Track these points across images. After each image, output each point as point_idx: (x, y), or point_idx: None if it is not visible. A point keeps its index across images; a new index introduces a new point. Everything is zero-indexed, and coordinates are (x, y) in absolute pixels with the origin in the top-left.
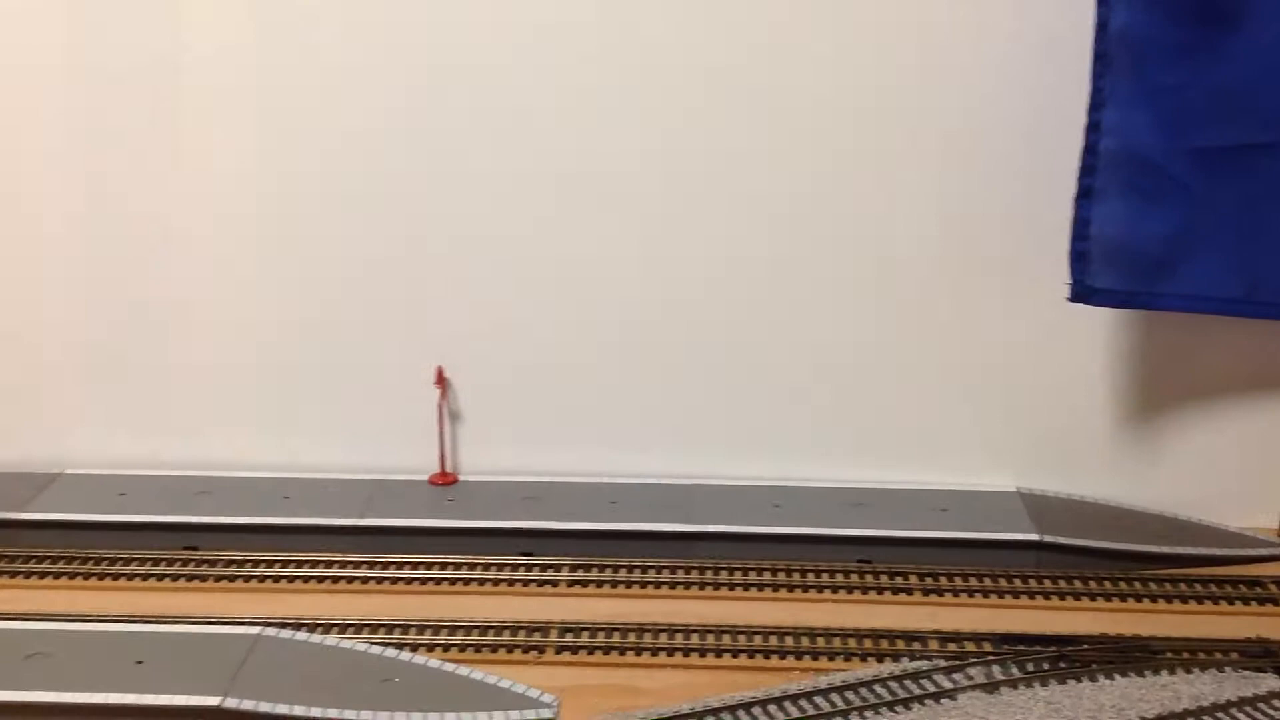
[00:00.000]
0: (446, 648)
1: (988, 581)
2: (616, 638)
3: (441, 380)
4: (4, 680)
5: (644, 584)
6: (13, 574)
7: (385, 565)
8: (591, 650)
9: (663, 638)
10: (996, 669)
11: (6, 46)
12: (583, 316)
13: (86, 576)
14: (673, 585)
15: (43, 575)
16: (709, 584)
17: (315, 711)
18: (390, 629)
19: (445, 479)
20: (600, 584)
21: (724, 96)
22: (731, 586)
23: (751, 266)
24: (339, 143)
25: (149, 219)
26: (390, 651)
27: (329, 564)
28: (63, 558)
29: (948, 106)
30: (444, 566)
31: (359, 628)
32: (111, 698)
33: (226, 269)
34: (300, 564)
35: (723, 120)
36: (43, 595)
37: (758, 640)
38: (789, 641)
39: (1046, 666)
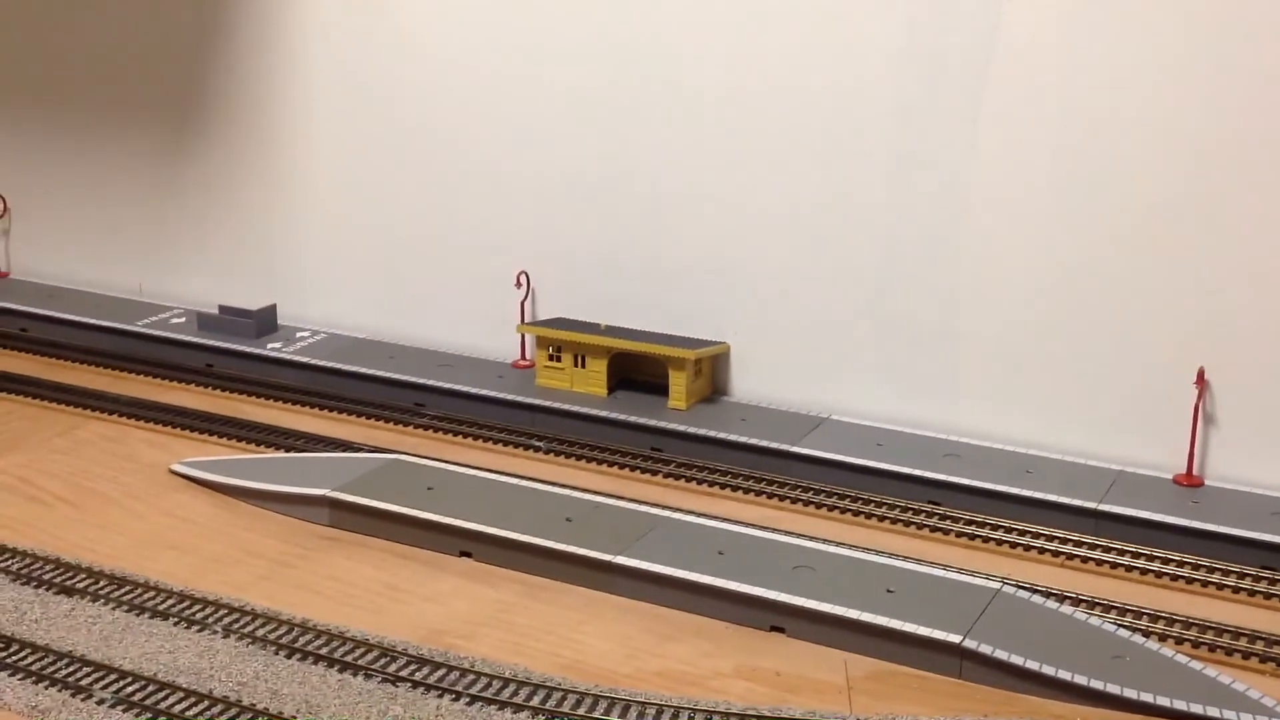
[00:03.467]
0: (1179, 640)
1: None
2: None
3: (1201, 381)
4: (772, 582)
5: None
6: (782, 498)
7: (1121, 552)
8: None
9: None
10: None
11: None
12: None
13: (843, 511)
14: None
15: (806, 503)
16: None
17: (1048, 669)
18: (1123, 611)
19: (1191, 481)
20: None
21: None
22: None
23: None
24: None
25: (950, 207)
26: (1123, 631)
27: (1064, 540)
28: (823, 491)
29: None
30: (1181, 564)
31: (1091, 604)
32: (865, 616)
33: (1006, 255)
34: (1038, 535)
35: None
36: (805, 520)
37: None
38: None
39: None
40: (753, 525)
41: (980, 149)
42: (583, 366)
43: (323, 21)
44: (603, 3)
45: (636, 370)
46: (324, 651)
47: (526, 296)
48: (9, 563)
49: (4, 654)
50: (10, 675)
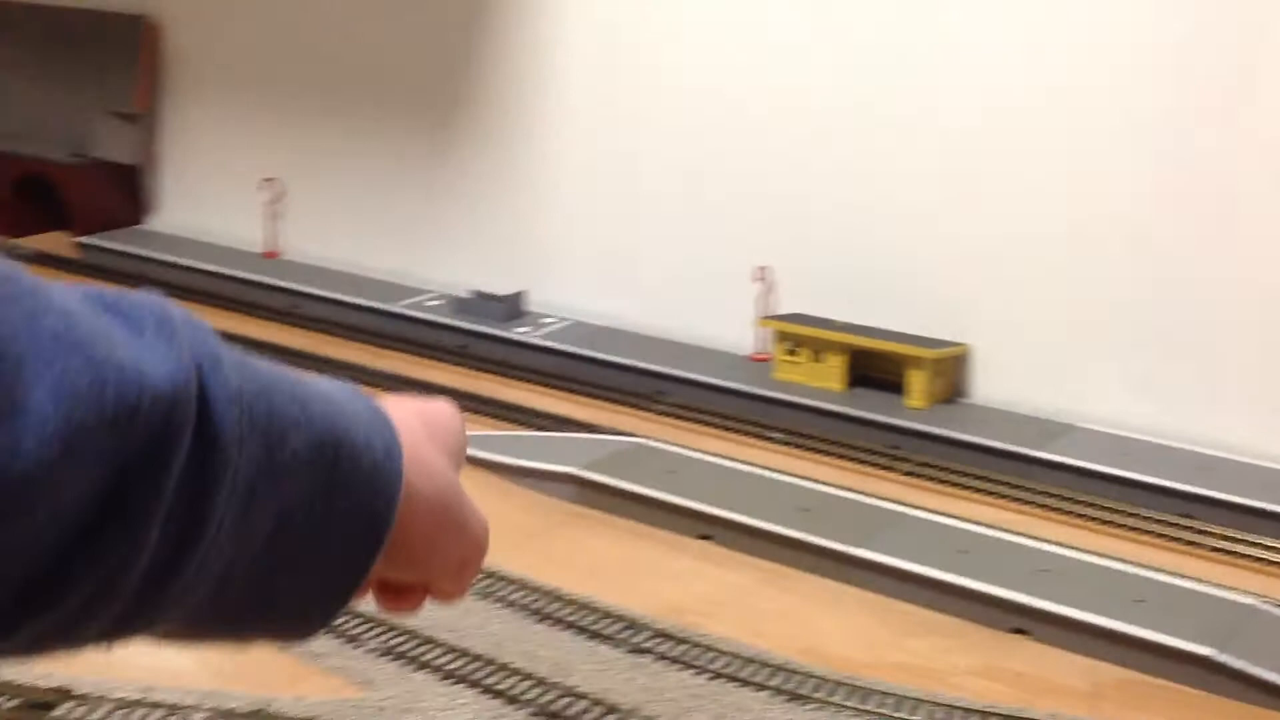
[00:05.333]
0: None
1: None
2: None
3: None
4: (1016, 584)
5: None
6: (1023, 502)
7: None
8: None
9: None
10: None
11: None
12: None
13: (1086, 518)
14: None
15: (1048, 508)
16: None
17: None
18: None
19: None
20: None
21: None
22: None
23: None
24: None
25: (1210, 208)
26: None
27: None
28: (1067, 497)
29: None
30: None
31: None
32: (1114, 624)
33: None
34: None
35: None
36: (1047, 525)
37: None
38: None
39: None
40: (993, 527)
41: (1252, 139)
42: (821, 362)
43: (581, 20)
44: (858, 2)
45: (875, 368)
46: (573, 619)
47: (766, 291)
48: None
49: None
50: None
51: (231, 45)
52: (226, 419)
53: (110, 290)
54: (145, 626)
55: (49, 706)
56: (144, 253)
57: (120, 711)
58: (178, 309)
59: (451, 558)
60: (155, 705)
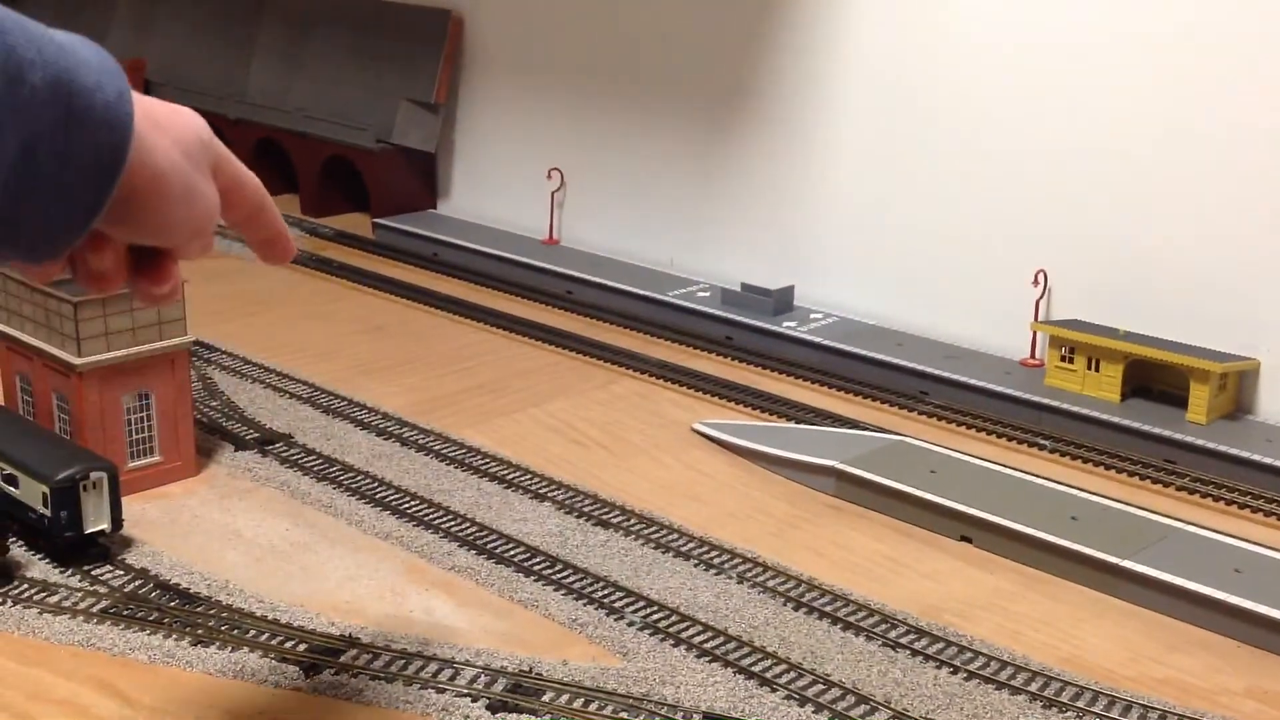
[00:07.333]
0: None
1: None
2: None
3: None
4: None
5: None
6: None
7: None
8: None
9: None
10: None
11: None
12: None
13: None
14: None
15: None
16: None
17: None
18: None
19: None
20: None
21: None
22: None
23: None
24: None
25: None
26: None
27: None
28: None
29: None
30: None
31: None
32: None
33: None
34: None
35: None
36: None
37: None
38: None
39: None
40: (1271, 548)
41: None
42: (1096, 370)
43: (866, 17)
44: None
45: (1153, 379)
46: (828, 609)
47: (1042, 295)
48: (556, 494)
49: (551, 572)
50: (555, 590)
51: (522, 42)
52: None
53: None
54: None
55: (337, 653)
56: (433, 234)
57: (399, 662)
58: None
59: (183, 224)
60: (430, 659)
